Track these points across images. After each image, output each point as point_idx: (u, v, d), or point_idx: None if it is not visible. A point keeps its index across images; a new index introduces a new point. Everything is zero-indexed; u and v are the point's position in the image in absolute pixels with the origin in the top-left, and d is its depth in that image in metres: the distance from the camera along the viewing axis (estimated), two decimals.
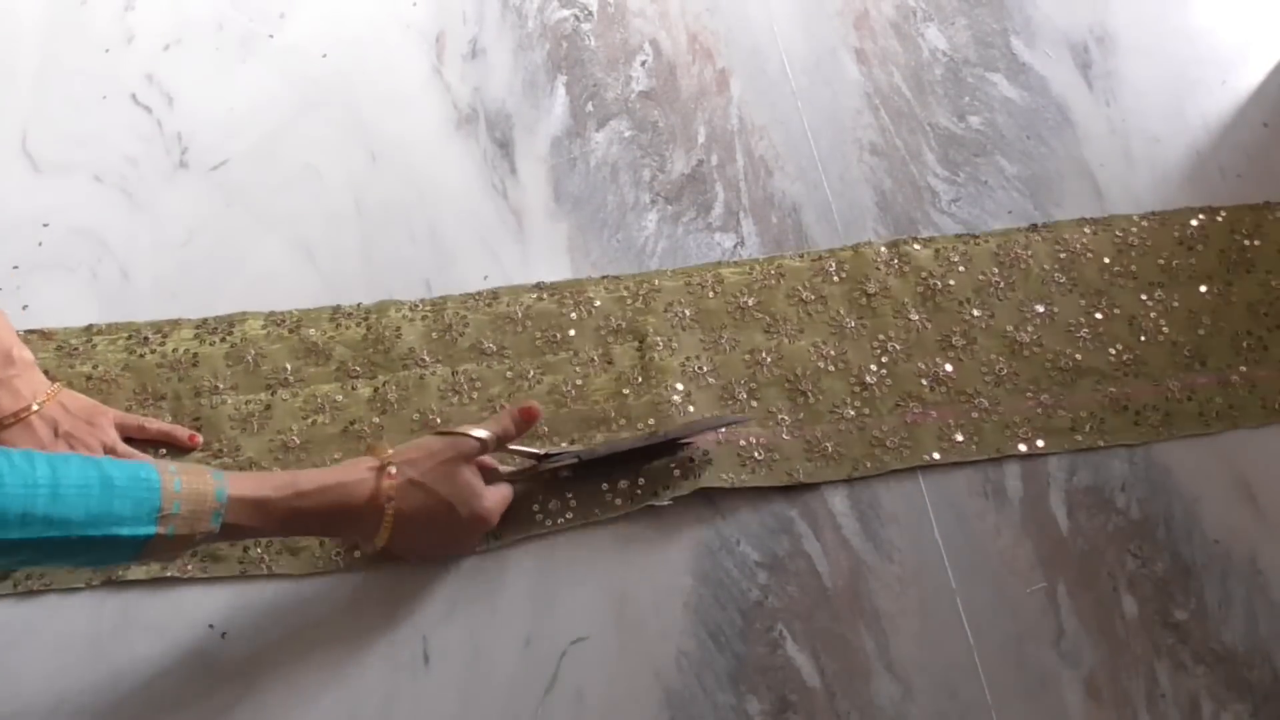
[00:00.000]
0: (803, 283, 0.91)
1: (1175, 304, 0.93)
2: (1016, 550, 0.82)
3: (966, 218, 0.97)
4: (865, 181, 0.98)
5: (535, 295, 0.89)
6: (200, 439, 0.80)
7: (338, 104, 0.98)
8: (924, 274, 0.92)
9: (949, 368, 0.88)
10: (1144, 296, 0.93)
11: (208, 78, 0.98)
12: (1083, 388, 0.88)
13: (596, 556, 0.79)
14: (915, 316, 0.90)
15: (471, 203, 0.94)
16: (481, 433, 0.73)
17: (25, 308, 0.85)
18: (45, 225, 0.88)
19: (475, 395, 0.84)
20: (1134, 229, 0.96)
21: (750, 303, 0.89)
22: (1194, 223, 0.97)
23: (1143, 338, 0.91)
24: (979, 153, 1.01)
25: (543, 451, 0.80)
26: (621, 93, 1.01)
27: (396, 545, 0.73)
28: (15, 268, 0.86)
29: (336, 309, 0.87)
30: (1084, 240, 0.95)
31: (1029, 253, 0.94)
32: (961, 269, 0.93)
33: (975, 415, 0.86)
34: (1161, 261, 0.95)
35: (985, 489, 0.85)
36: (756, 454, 0.83)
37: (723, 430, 0.84)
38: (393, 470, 0.70)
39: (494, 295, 0.88)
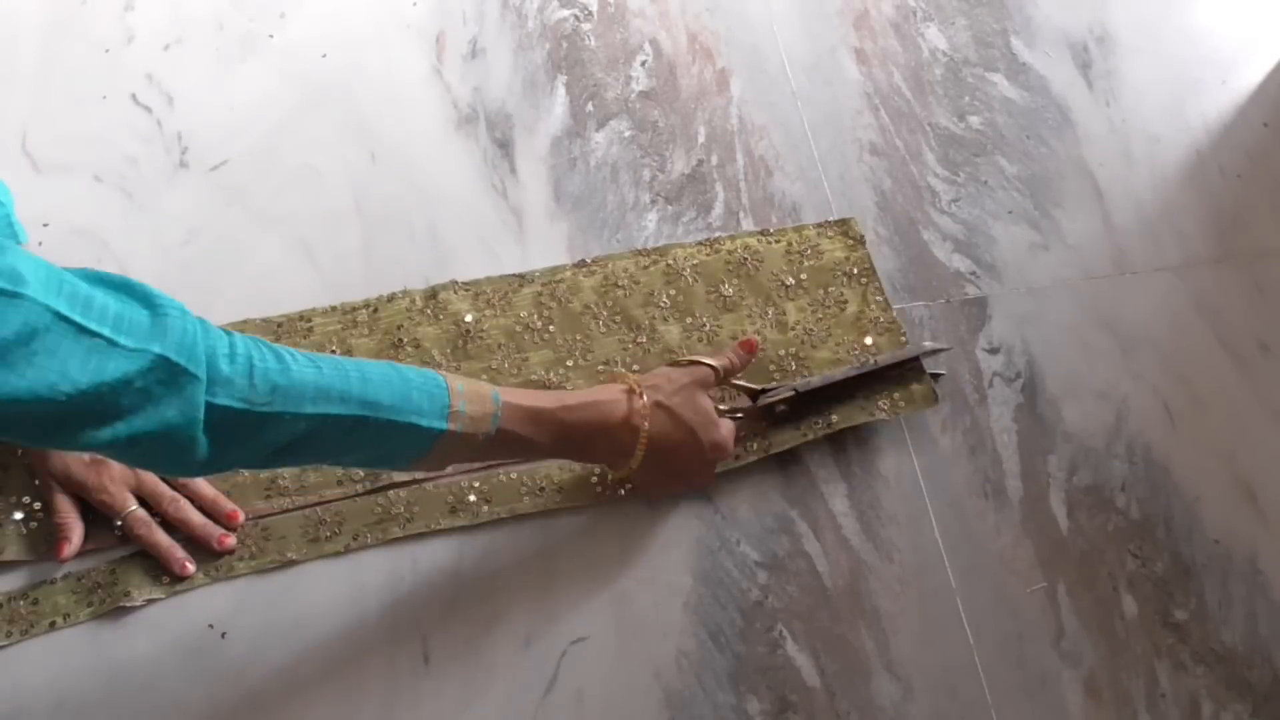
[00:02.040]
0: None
1: (719, 330, 0.89)
2: (1016, 550, 0.83)
3: (966, 218, 0.97)
4: (865, 181, 0.98)
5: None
6: (240, 516, 0.78)
7: (338, 104, 0.98)
8: (458, 319, 0.87)
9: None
10: (683, 328, 0.89)
11: (208, 78, 0.98)
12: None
13: (597, 556, 0.80)
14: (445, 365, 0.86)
15: (472, 202, 0.94)
16: (715, 362, 0.76)
17: None
18: (45, 225, 0.88)
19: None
20: (686, 256, 0.92)
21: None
22: (746, 248, 0.93)
23: None
24: (979, 153, 1.01)
25: (759, 387, 0.83)
26: (621, 93, 1.01)
27: (644, 471, 0.74)
28: None
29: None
30: (630, 272, 0.91)
31: (571, 291, 0.90)
32: (499, 313, 0.88)
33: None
34: (710, 290, 0.91)
35: (985, 489, 0.85)
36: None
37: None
38: (643, 393, 0.72)
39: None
